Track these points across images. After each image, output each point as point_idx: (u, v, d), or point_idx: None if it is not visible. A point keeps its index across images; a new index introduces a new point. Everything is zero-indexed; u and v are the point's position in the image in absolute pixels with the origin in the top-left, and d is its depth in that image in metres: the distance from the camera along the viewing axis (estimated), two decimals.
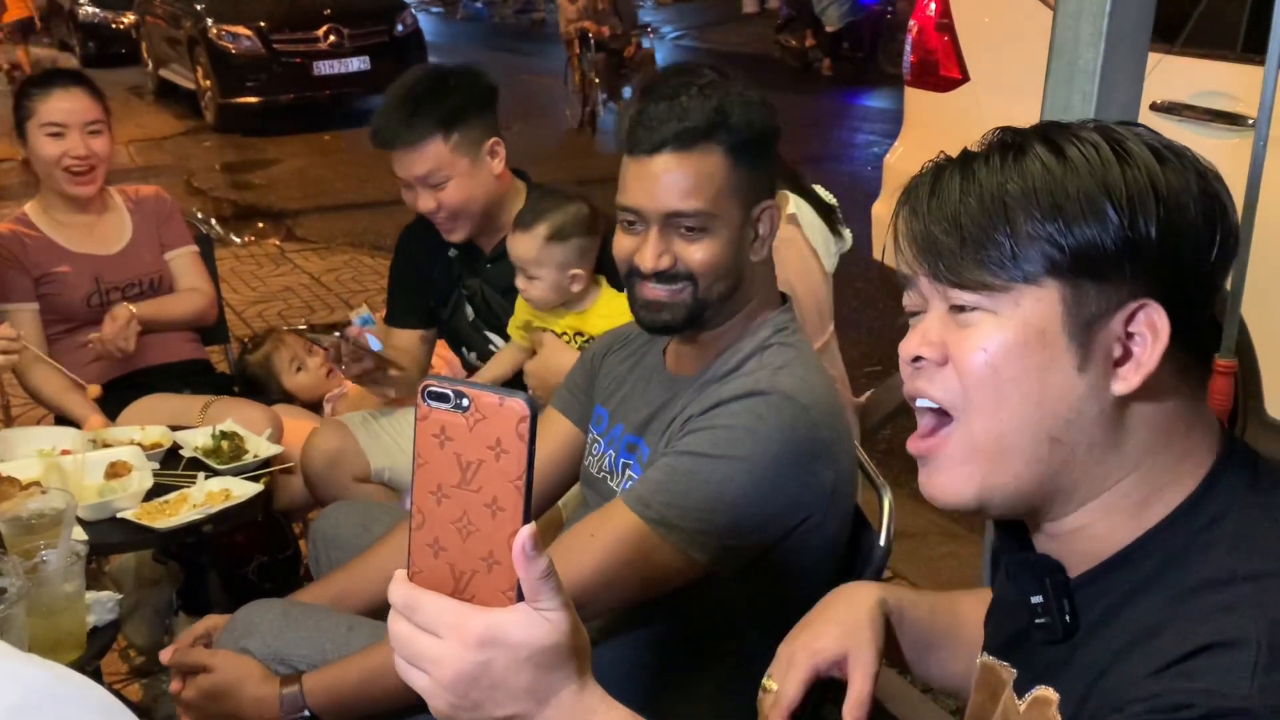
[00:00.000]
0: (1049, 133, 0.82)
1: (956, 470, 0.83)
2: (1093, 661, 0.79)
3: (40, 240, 2.49)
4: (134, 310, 2.45)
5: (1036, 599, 0.83)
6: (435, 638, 0.70)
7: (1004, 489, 0.82)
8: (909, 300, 0.87)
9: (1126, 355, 0.78)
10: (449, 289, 2.19)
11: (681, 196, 1.33)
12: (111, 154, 2.57)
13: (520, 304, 2.03)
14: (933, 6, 3.30)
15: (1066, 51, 1.53)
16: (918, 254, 0.82)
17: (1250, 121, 2.24)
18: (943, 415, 0.83)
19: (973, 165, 0.82)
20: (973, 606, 1.10)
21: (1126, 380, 0.78)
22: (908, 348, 0.84)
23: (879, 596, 1.08)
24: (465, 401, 0.68)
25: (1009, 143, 0.82)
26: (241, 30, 9.06)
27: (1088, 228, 0.77)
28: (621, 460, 1.47)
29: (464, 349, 2.20)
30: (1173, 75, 2.60)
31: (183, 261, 2.68)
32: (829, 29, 10.36)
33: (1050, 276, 0.78)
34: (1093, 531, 0.83)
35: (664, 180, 1.32)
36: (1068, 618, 0.82)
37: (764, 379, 1.33)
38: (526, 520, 0.67)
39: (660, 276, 1.36)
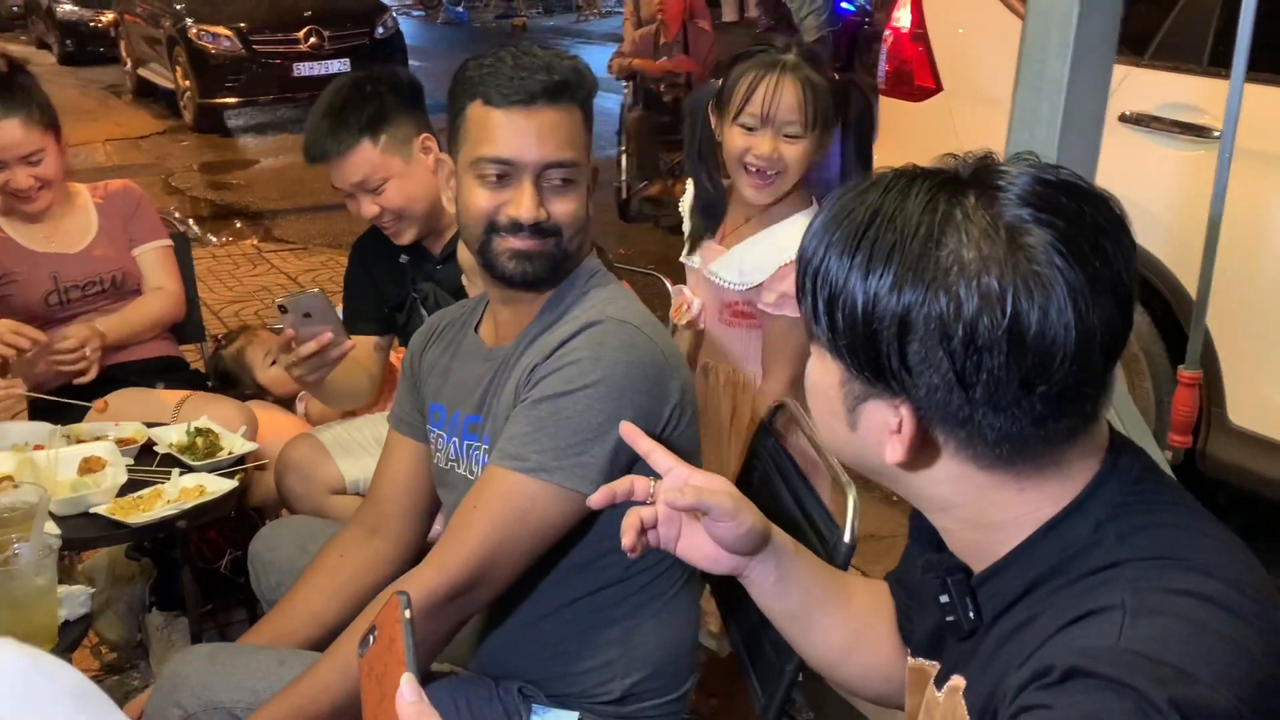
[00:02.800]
0: (952, 211, 0.80)
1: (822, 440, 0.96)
2: (992, 647, 0.85)
3: (1, 240, 2.48)
4: (99, 332, 2.41)
5: (943, 598, 0.89)
6: None
7: (857, 472, 0.93)
8: None
9: (900, 429, 0.83)
10: (403, 295, 2.21)
11: (559, 147, 1.36)
12: (63, 167, 2.50)
13: None
14: (907, 17, 3.33)
15: (1035, 61, 1.56)
16: None
17: (1216, 134, 2.29)
18: None
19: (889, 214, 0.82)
20: (863, 588, 1.16)
21: (892, 454, 0.84)
22: None
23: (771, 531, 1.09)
24: (373, 635, 0.82)
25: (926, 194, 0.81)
26: (221, 30, 9.02)
27: (852, 329, 0.81)
28: (466, 443, 1.49)
29: None
30: (1141, 87, 2.65)
31: (150, 258, 2.66)
32: (807, 38, 10.41)
33: (828, 348, 0.85)
34: (960, 537, 0.89)
35: (542, 130, 1.35)
36: (971, 614, 0.88)
37: (594, 312, 1.37)
38: (410, 669, 0.75)
39: (535, 229, 1.37)
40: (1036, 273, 0.76)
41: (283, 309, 1.92)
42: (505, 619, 1.47)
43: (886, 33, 3.51)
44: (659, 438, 1.32)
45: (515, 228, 1.38)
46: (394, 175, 2.06)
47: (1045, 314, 0.76)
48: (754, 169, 1.88)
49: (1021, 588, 0.84)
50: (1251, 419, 2.51)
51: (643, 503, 1.07)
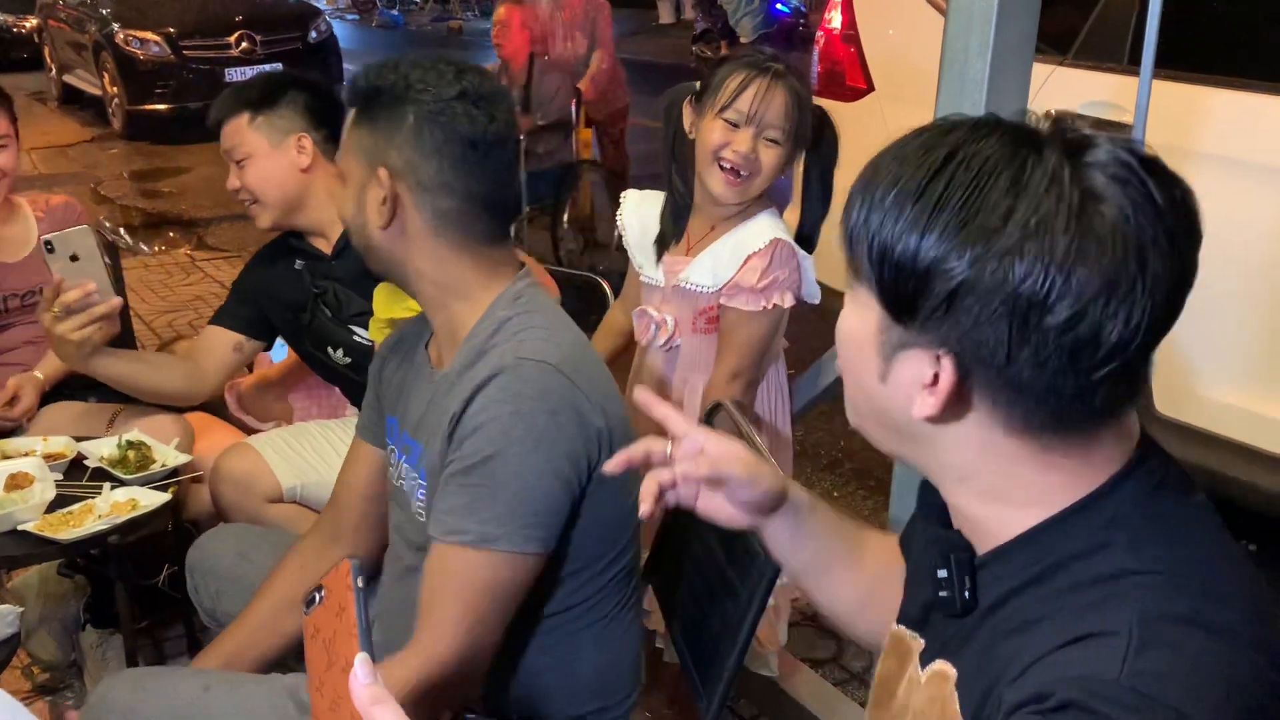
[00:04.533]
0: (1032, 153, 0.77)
1: (847, 404, 0.92)
2: (987, 643, 0.83)
3: None
4: (37, 380, 2.40)
5: (941, 573, 0.87)
6: None
7: (874, 438, 0.91)
8: None
9: (935, 382, 0.80)
10: (303, 299, 2.22)
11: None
12: (18, 166, 2.51)
13: (377, 302, 2.05)
14: (839, 18, 3.37)
15: (956, 62, 1.59)
16: None
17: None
18: None
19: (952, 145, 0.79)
20: (878, 546, 1.15)
21: (921, 409, 0.81)
22: None
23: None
24: (320, 595, 0.79)
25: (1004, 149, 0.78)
26: (149, 36, 8.85)
27: (905, 267, 0.78)
28: (405, 463, 1.48)
29: (329, 348, 2.22)
30: (1064, 86, 2.71)
31: None
32: (743, 40, 10.47)
33: (872, 292, 0.82)
34: (969, 513, 0.87)
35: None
36: (966, 594, 0.86)
37: (508, 353, 1.32)
38: (364, 648, 0.72)
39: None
40: (1104, 242, 0.74)
41: (49, 246, 1.91)
42: None
43: (819, 34, 3.56)
44: (594, 469, 1.34)
45: None
46: (256, 154, 2.17)
47: (1109, 284, 0.74)
48: (729, 165, 1.88)
49: (1023, 578, 0.82)
50: (1177, 409, 2.58)
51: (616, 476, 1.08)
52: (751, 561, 1.42)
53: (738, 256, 1.92)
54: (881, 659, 1.02)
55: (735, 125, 1.86)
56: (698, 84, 1.96)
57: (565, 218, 5.13)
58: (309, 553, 1.66)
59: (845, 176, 3.03)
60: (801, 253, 1.96)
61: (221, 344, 2.24)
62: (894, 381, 0.83)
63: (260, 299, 2.27)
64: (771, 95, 1.85)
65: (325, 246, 2.24)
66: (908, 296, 0.79)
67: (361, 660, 0.71)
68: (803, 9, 9.81)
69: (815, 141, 1.94)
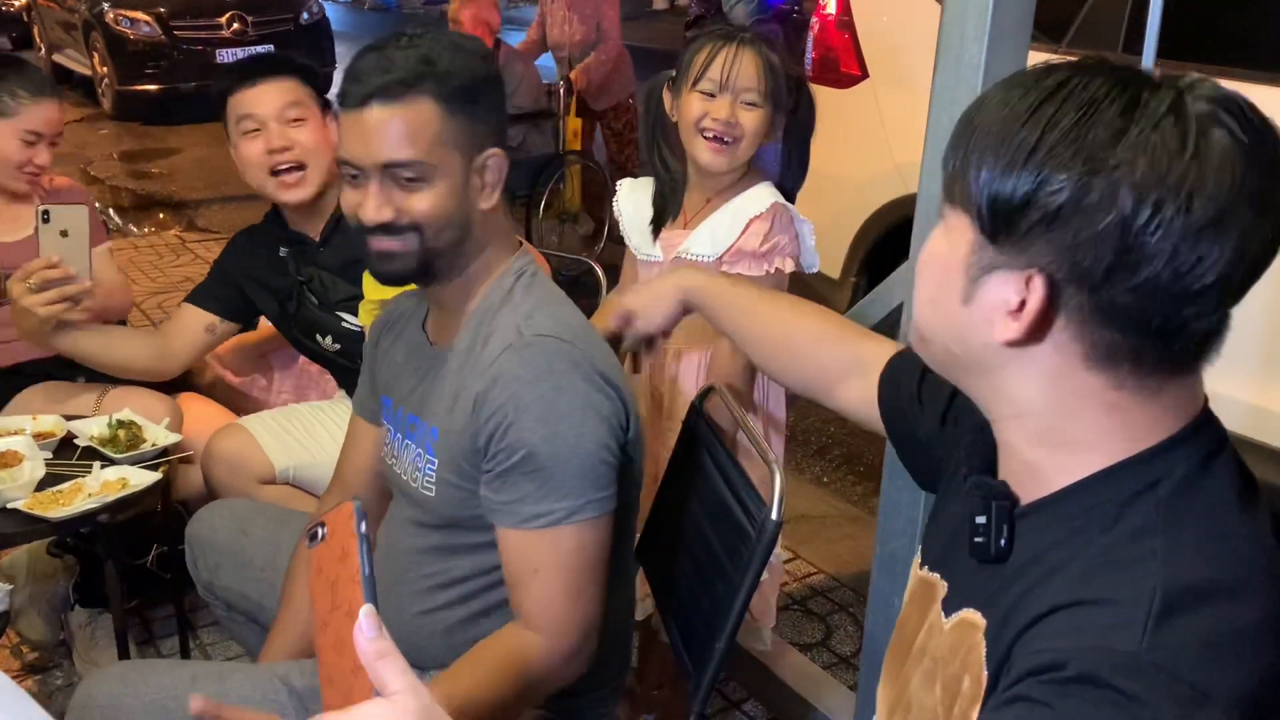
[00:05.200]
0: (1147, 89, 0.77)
1: (914, 331, 0.93)
2: (1021, 595, 0.82)
3: None
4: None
5: (980, 519, 0.86)
6: None
7: (938, 364, 0.92)
8: None
9: (1022, 307, 0.80)
10: (288, 286, 2.21)
11: (395, 147, 1.32)
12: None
13: (368, 285, 2.05)
14: (834, 4, 3.37)
15: (953, 47, 1.59)
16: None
17: None
18: None
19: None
20: (783, 310, 1.43)
21: (1003, 332, 0.81)
22: None
23: (684, 285, 1.48)
24: (322, 530, 0.75)
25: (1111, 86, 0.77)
26: (140, 15, 8.78)
27: (1009, 182, 0.78)
28: (406, 440, 1.48)
29: (318, 336, 2.21)
30: None
31: (100, 261, 2.62)
32: (731, 23, 10.42)
33: (967, 214, 0.82)
34: (1021, 454, 0.87)
35: (376, 131, 1.32)
36: (1003, 542, 0.86)
37: (525, 329, 1.35)
38: (368, 599, 0.70)
39: (386, 229, 1.35)
40: (1222, 170, 0.74)
41: (45, 216, 1.92)
42: (439, 617, 1.46)
43: (814, 20, 3.55)
44: (626, 431, 1.38)
45: (367, 229, 1.36)
46: (312, 117, 2.14)
47: (1222, 213, 0.73)
48: (711, 134, 1.90)
49: (1064, 532, 0.82)
50: None
51: None
52: (742, 542, 1.43)
53: (738, 222, 1.94)
54: (906, 602, 1.02)
55: (711, 95, 1.90)
56: (673, 72, 1.98)
57: (542, 209, 5.08)
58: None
59: (836, 162, 3.03)
60: (801, 218, 1.98)
61: (194, 323, 2.23)
62: (978, 304, 0.83)
63: (242, 282, 2.26)
64: (740, 59, 1.88)
65: (313, 230, 2.22)
66: (1007, 214, 0.78)
67: (366, 613, 0.69)
68: None
69: (793, 108, 1.96)
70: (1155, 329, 0.77)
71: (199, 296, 2.26)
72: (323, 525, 0.76)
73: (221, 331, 2.28)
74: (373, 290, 2.04)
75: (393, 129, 1.31)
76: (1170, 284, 0.75)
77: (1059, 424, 0.83)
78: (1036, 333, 0.80)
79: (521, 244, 1.49)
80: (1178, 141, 0.74)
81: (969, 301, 0.83)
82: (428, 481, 1.43)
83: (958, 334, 0.86)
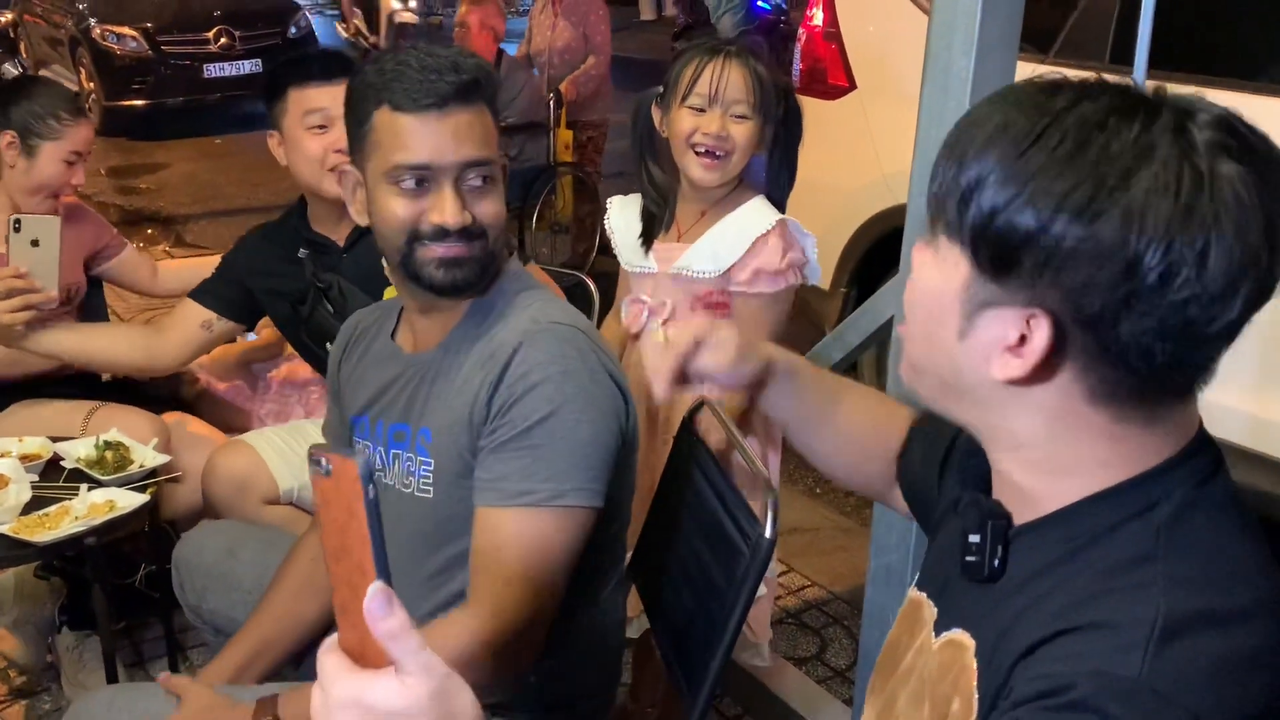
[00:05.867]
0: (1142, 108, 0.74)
1: (905, 362, 0.90)
2: (1014, 617, 0.81)
3: None
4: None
5: (974, 538, 0.85)
6: (321, 699, 0.68)
7: (928, 397, 0.89)
8: None
9: (1021, 344, 0.78)
10: (303, 289, 2.17)
11: (478, 146, 1.34)
12: None
13: (389, 298, 2.02)
14: (820, 15, 3.37)
15: (940, 59, 1.59)
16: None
17: None
18: None
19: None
20: (857, 399, 1.22)
21: (1002, 370, 0.79)
22: None
23: (773, 352, 1.18)
24: (326, 465, 0.67)
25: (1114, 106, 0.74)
26: (127, 31, 8.75)
27: (1010, 217, 0.75)
28: (393, 451, 1.47)
29: (329, 344, 2.17)
30: None
31: (134, 257, 2.70)
32: (718, 36, 10.45)
33: (965, 246, 0.78)
34: (1015, 480, 0.85)
35: (459, 131, 1.32)
36: (996, 562, 0.84)
37: (536, 316, 1.37)
38: (380, 575, 0.66)
39: (463, 233, 1.34)
40: (1240, 212, 0.71)
41: (16, 225, 1.93)
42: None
43: (801, 31, 3.56)
44: (626, 436, 1.39)
45: (441, 234, 1.34)
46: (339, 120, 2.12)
47: (1245, 255, 0.71)
48: (703, 148, 1.90)
49: (1058, 553, 0.80)
50: None
51: None
52: (736, 559, 1.42)
53: (742, 240, 1.94)
54: (897, 622, 1.01)
55: (701, 110, 1.90)
56: (661, 89, 1.98)
57: (534, 220, 5.07)
58: (316, 544, 1.64)
59: (825, 173, 3.04)
60: (805, 232, 1.99)
61: (192, 318, 2.19)
62: (974, 340, 0.80)
63: (250, 281, 2.21)
64: (728, 73, 1.89)
65: (337, 235, 2.18)
66: (1007, 253, 0.75)
67: (373, 593, 0.65)
68: (783, 6, 9.80)
69: (781, 119, 1.96)
70: (1164, 365, 0.75)
71: (201, 292, 2.22)
72: (325, 459, 0.67)
73: (219, 330, 2.23)
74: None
75: (474, 129, 1.33)
76: (1186, 325, 0.73)
77: (1057, 454, 0.82)
78: (1040, 372, 0.78)
79: (513, 252, 1.51)
80: (1192, 183, 0.71)
81: (965, 337, 0.81)
82: (424, 484, 1.42)
83: (953, 368, 0.83)
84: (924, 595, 0.97)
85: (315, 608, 1.60)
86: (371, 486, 0.65)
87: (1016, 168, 0.74)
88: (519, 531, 1.30)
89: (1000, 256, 0.76)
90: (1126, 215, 0.71)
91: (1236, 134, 0.74)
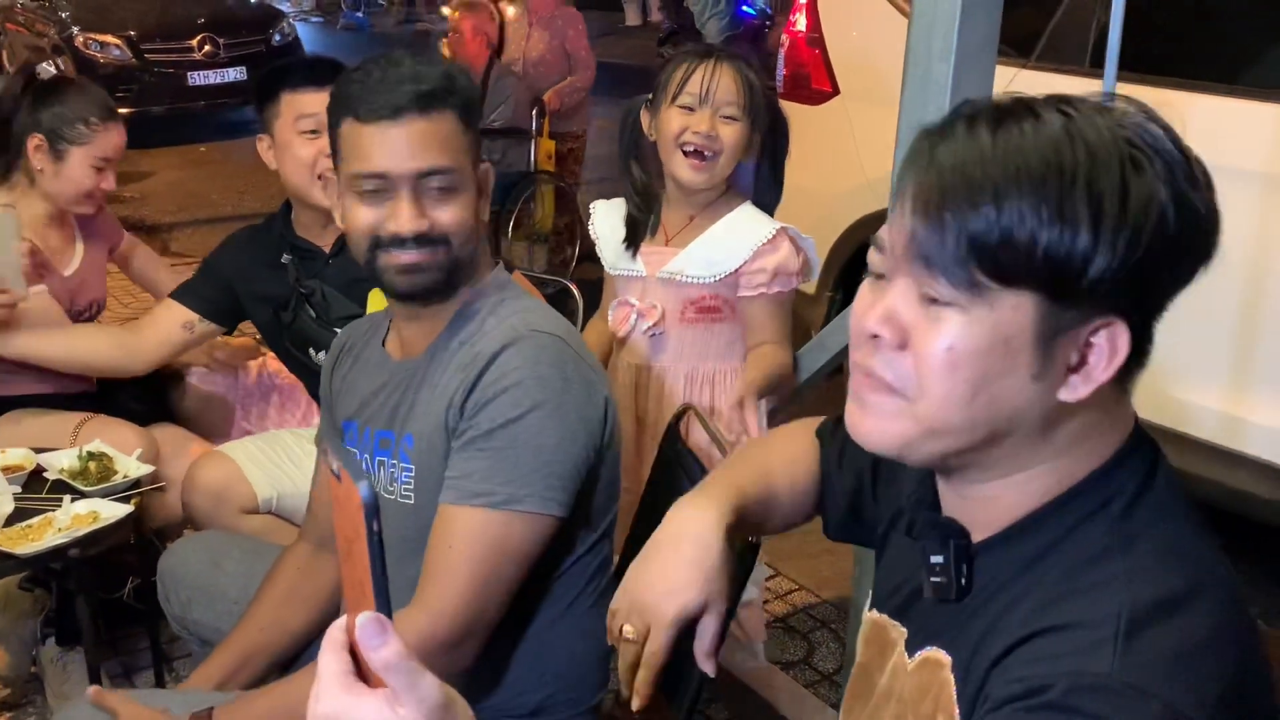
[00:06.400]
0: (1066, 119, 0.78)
1: (889, 423, 0.83)
2: (985, 629, 0.82)
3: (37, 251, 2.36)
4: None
5: (937, 559, 0.85)
6: (312, 705, 0.67)
7: (929, 453, 0.83)
8: (876, 260, 0.84)
9: (1083, 363, 0.79)
10: (285, 295, 2.17)
11: (433, 155, 1.35)
12: None
13: (373, 304, 2.02)
14: (804, 21, 3.38)
15: (920, 65, 1.60)
16: (910, 242, 0.79)
17: None
18: (890, 388, 0.82)
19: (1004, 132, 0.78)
20: (784, 477, 1.18)
21: (1075, 390, 0.79)
22: (867, 322, 0.82)
23: (722, 524, 1.06)
24: (337, 471, 0.67)
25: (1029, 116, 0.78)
26: (110, 39, 8.73)
27: (1066, 243, 0.75)
28: (378, 459, 1.47)
29: (311, 350, 2.18)
30: (1026, 88, 2.73)
31: (144, 254, 2.77)
32: (709, 42, 10.48)
33: (1028, 287, 0.77)
34: (1003, 501, 0.85)
35: (413, 140, 1.34)
36: (963, 580, 0.85)
37: (517, 325, 1.37)
38: (379, 607, 0.65)
39: (419, 240, 1.36)
40: (1193, 176, 0.78)
41: None
42: None
43: (784, 37, 3.57)
44: (601, 446, 1.38)
45: (399, 241, 1.36)
46: None
47: (1199, 227, 0.78)
48: (691, 148, 1.91)
49: (1022, 562, 0.82)
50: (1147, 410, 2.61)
51: None
52: None
53: (744, 247, 1.95)
54: (861, 646, 1.01)
55: (690, 109, 1.91)
56: (650, 96, 2.00)
57: (510, 228, 5.06)
58: (302, 556, 1.65)
59: (810, 178, 3.04)
60: (803, 235, 2.01)
61: (171, 319, 2.19)
62: (1051, 374, 0.79)
63: (233, 284, 2.20)
64: (718, 74, 1.90)
65: (324, 241, 2.17)
66: (1070, 279, 0.75)
67: (365, 622, 0.63)
68: (769, 11, 9.83)
69: (769, 126, 1.97)
70: (1149, 344, 0.80)
71: (183, 292, 2.22)
72: (339, 468, 0.67)
73: (200, 332, 2.22)
74: (378, 308, 2.02)
75: (429, 138, 1.34)
76: (1174, 287, 0.79)
77: (1058, 461, 0.83)
78: (1118, 379, 0.80)
79: (499, 263, 1.51)
80: (1182, 170, 0.77)
81: (1041, 375, 0.78)
82: (406, 490, 1.43)
83: (1013, 413, 0.80)
84: (885, 617, 0.97)
85: (301, 618, 1.60)
86: (376, 521, 0.64)
87: (1062, 196, 0.75)
88: (471, 530, 1.31)
89: (1065, 283, 0.76)
90: (1148, 201, 0.75)
91: (1149, 124, 0.79)
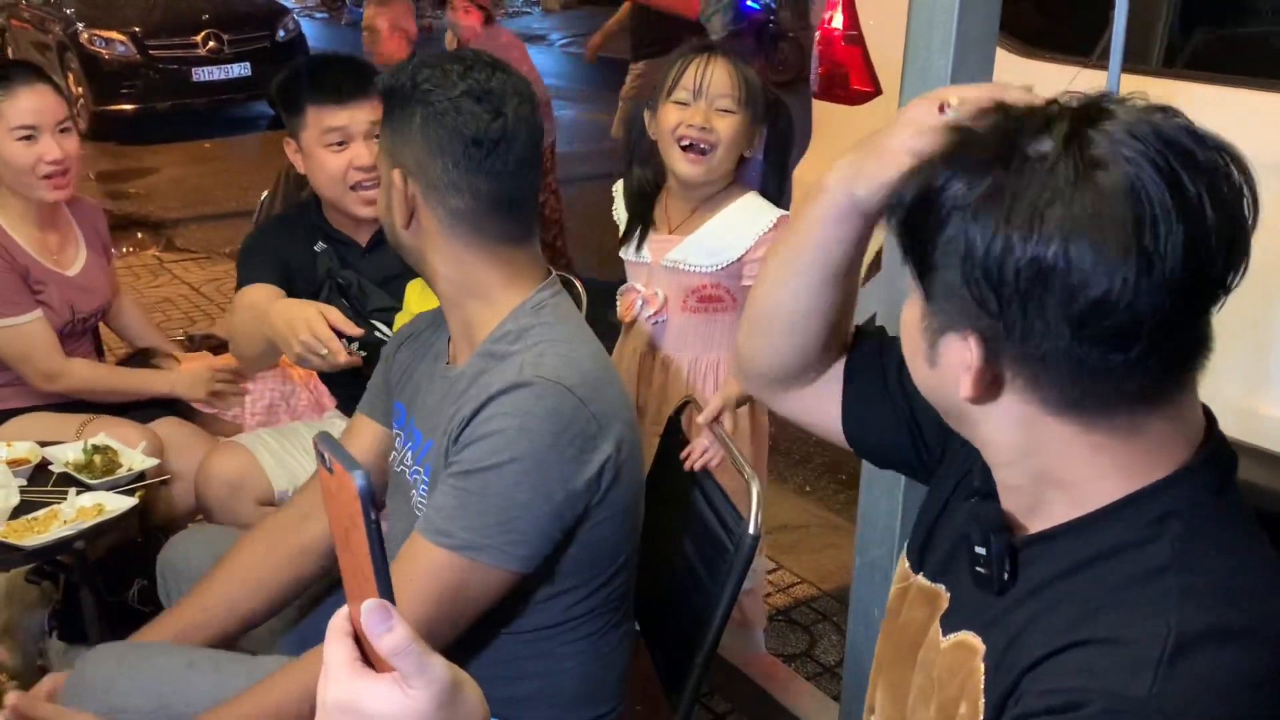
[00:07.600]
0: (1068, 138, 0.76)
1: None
2: (1023, 626, 0.80)
3: (15, 247, 2.30)
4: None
5: (980, 549, 0.85)
6: (320, 694, 0.67)
7: (948, 418, 0.90)
8: None
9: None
10: (318, 282, 2.15)
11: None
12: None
13: (409, 298, 2.02)
14: (840, 19, 3.22)
15: (919, 58, 1.60)
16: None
17: None
18: None
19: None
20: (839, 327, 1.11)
21: (963, 390, 0.81)
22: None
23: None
24: (329, 463, 0.67)
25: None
26: (115, 35, 8.74)
27: (926, 247, 0.80)
28: (406, 448, 1.49)
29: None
30: (1031, 80, 2.71)
31: (130, 305, 2.71)
32: (713, 37, 10.44)
33: (914, 277, 0.83)
34: (1020, 496, 0.86)
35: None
36: (1006, 575, 0.84)
37: (527, 367, 1.32)
38: (382, 594, 0.65)
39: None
40: (1103, 211, 0.72)
41: None
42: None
43: (818, 35, 3.42)
44: (590, 504, 1.33)
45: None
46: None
47: (1117, 253, 0.72)
48: (687, 141, 1.93)
49: (1068, 565, 0.80)
50: None
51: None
52: (720, 556, 1.43)
53: (746, 236, 1.95)
54: (905, 607, 0.99)
55: (686, 103, 1.93)
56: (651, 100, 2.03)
57: None
58: (278, 532, 1.61)
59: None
60: None
61: (269, 295, 2.07)
62: (941, 366, 0.84)
63: (277, 257, 2.14)
64: (712, 68, 1.93)
65: (361, 237, 2.16)
66: (927, 279, 0.81)
67: (370, 609, 0.64)
68: (772, 5, 9.80)
69: (770, 123, 1.98)
70: (1095, 371, 0.76)
71: (250, 276, 2.12)
72: (326, 458, 0.67)
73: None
74: (415, 304, 2.02)
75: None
76: (1080, 326, 0.74)
77: (1046, 466, 0.83)
78: (991, 388, 0.81)
79: (551, 273, 1.46)
80: (1059, 188, 0.73)
81: (934, 364, 0.85)
82: (419, 499, 1.44)
83: (933, 393, 0.88)
84: (935, 584, 0.95)
85: (256, 607, 1.59)
86: (373, 511, 0.64)
87: (948, 195, 0.79)
88: (430, 568, 1.30)
89: (926, 285, 0.82)
90: (996, 228, 0.75)
91: (1143, 139, 0.74)
